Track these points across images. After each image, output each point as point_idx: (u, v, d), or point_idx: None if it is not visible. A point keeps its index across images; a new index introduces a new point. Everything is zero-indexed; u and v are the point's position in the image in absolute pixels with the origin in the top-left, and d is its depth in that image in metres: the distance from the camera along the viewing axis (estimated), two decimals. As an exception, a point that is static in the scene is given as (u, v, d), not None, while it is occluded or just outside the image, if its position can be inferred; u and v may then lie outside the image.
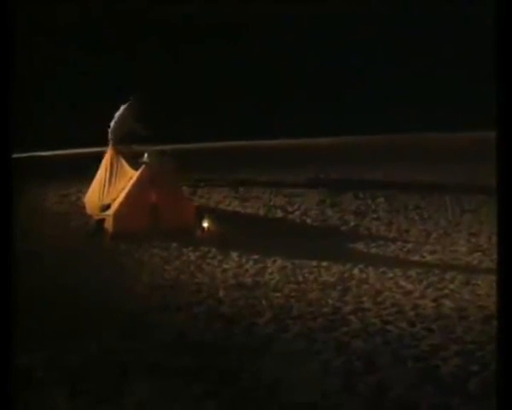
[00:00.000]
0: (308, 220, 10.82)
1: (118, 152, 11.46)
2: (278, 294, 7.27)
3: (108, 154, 11.50)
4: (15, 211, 3.10)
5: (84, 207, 11.43)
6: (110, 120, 11.75)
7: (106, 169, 11.32)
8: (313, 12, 18.70)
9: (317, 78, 19.09)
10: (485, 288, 7.24)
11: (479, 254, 8.76)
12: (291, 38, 19.19)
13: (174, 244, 9.42)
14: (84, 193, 11.85)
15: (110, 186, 11.08)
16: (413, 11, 18.66)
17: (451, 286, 7.41)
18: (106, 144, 11.74)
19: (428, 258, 8.69)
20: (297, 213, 11.18)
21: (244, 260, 8.65)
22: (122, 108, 11.78)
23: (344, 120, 17.81)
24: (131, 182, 10.49)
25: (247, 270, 8.28)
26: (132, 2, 18.12)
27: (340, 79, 18.82)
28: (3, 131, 2.99)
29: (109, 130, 11.64)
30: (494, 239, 9.22)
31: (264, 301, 7.00)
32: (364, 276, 7.88)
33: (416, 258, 8.72)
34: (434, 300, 6.93)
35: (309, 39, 19.28)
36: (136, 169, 10.67)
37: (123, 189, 10.60)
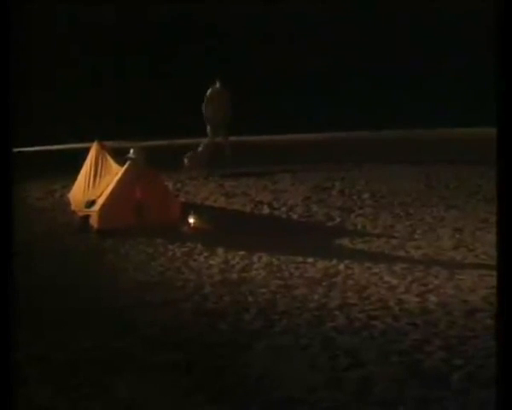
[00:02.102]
0: (294, 216, 10.84)
1: (103, 147, 11.41)
2: (264, 290, 7.28)
3: (93, 149, 11.43)
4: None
5: (68, 204, 11.38)
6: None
7: (91, 165, 11.26)
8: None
9: (311, 75, 19.09)
10: (469, 283, 7.30)
11: (463, 249, 8.82)
12: (284, 36, 19.19)
13: (160, 240, 9.41)
14: (70, 189, 11.80)
15: (95, 182, 11.02)
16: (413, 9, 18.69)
17: (436, 281, 7.45)
18: (92, 140, 11.69)
19: (413, 253, 8.74)
20: (283, 209, 11.19)
21: (230, 257, 8.65)
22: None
23: (333, 116, 17.84)
24: (117, 178, 10.44)
25: (233, 266, 8.29)
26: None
27: (331, 76, 18.84)
28: (3, 127, 2.96)
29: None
30: (478, 234, 9.30)
31: (250, 297, 7.02)
32: (350, 271, 7.92)
33: (401, 253, 8.77)
34: (419, 295, 6.98)
35: (307, 37, 19.26)
36: (122, 165, 10.62)
37: (108, 185, 10.54)
